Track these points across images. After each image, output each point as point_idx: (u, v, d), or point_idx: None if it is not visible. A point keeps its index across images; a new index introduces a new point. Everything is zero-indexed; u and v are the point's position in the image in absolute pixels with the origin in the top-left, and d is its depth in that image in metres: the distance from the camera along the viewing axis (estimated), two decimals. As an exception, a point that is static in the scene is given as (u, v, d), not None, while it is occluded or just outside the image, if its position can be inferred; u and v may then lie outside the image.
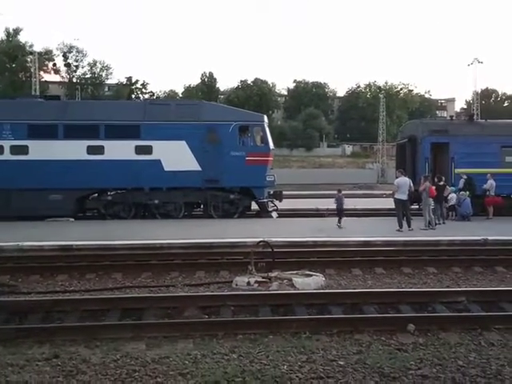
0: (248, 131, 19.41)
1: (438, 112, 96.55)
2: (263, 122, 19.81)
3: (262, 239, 10.86)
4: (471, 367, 5.52)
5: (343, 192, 17.21)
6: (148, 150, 18.69)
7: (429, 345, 6.20)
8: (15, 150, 18.35)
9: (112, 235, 13.79)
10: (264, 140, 19.57)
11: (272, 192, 19.93)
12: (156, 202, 18.77)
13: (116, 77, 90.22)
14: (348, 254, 11.72)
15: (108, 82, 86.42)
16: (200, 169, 18.73)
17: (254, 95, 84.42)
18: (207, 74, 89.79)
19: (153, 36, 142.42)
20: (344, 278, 10.08)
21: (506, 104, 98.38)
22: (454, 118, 30.35)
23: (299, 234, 14.00)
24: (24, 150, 18.34)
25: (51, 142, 18.43)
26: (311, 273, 9.68)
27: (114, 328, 6.67)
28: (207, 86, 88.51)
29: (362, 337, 6.42)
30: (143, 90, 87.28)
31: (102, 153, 18.54)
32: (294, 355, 5.83)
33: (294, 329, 6.60)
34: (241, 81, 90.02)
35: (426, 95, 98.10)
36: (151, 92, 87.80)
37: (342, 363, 5.62)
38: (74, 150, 18.33)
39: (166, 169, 18.64)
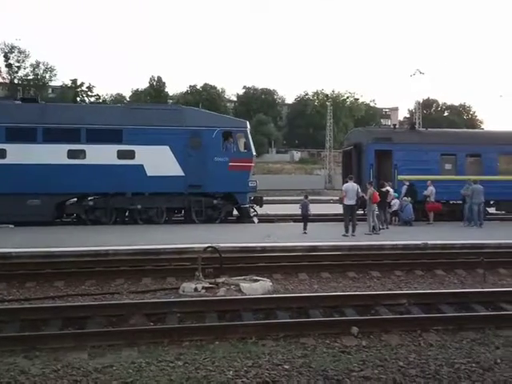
0: (231, 137, 19.53)
1: (382, 120, 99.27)
2: (246, 128, 19.96)
3: (209, 245, 10.82)
4: (411, 367, 5.68)
5: (309, 198, 17.37)
6: (130, 154, 18.46)
7: (371, 347, 6.35)
8: None
9: (55, 242, 13.35)
10: (247, 146, 19.77)
11: (253, 197, 20.06)
12: (138, 207, 18.50)
13: (60, 79, 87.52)
14: (295, 259, 11.86)
15: (52, 83, 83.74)
16: (183, 174, 18.68)
17: (204, 100, 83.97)
18: (155, 78, 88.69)
19: (99, 38, 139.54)
20: (291, 283, 10.19)
21: (446, 114, 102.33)
22: (396, 126, 31.37)
23: (248, 239, 14.05)
24: (2, 153, 17.71)
25: (30, 146, 17.88)
26: (259, 278, 9.73)
27: (54, 338, 6.45)
28: (155, 90, 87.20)
29: (307, 340, 6.49)
30: (89, 92, 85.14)
31: (84, 157, 18.23)
32: (240, 360, 5.82)
33: (241, 334, 6.60)
34: (190, 86, 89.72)
35: (371, 104, 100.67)
36: (97, 95, 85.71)
37: (287, 367, 5.66)
38: (54, 153, 17.89)
39: (148, 174, 18.48)
